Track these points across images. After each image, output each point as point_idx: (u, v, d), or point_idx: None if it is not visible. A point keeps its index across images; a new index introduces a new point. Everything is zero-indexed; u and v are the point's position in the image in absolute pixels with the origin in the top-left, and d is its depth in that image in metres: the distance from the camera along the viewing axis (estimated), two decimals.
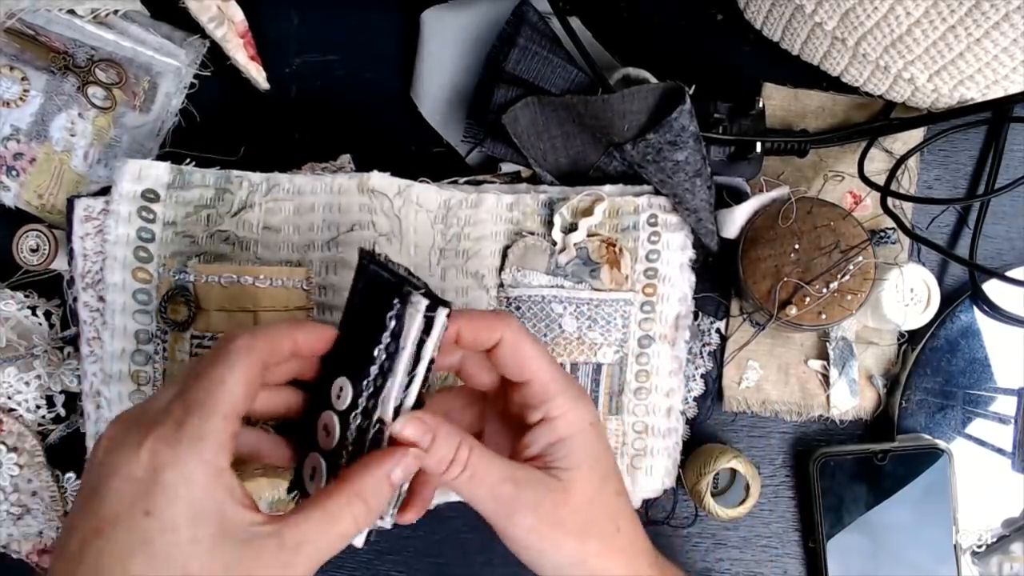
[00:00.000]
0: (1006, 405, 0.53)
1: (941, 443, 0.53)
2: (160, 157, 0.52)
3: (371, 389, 0.35)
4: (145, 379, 0.46)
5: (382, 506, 0.34)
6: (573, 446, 0.37)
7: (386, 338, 0.35)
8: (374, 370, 0.35)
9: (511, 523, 0.36)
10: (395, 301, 0.34)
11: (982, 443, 0.54)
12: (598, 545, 0.37)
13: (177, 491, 0.29)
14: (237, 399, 0.32)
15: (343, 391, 0.36)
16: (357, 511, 0.33)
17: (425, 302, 0.34)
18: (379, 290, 0.35)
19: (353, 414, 0.35)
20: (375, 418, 0.35)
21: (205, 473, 0.30)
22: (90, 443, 0.48)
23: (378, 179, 0.48)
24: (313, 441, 0.37)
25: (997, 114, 0.53)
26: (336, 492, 0.33)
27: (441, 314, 0.34)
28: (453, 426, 0.36)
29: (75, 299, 0.47)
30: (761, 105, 0.52)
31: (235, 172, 0.47)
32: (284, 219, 0.47)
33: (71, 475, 0.52)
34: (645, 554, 0.39)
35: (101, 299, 0.47)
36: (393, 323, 0.34)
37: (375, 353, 0.35)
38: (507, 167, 0.53)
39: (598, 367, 0.50)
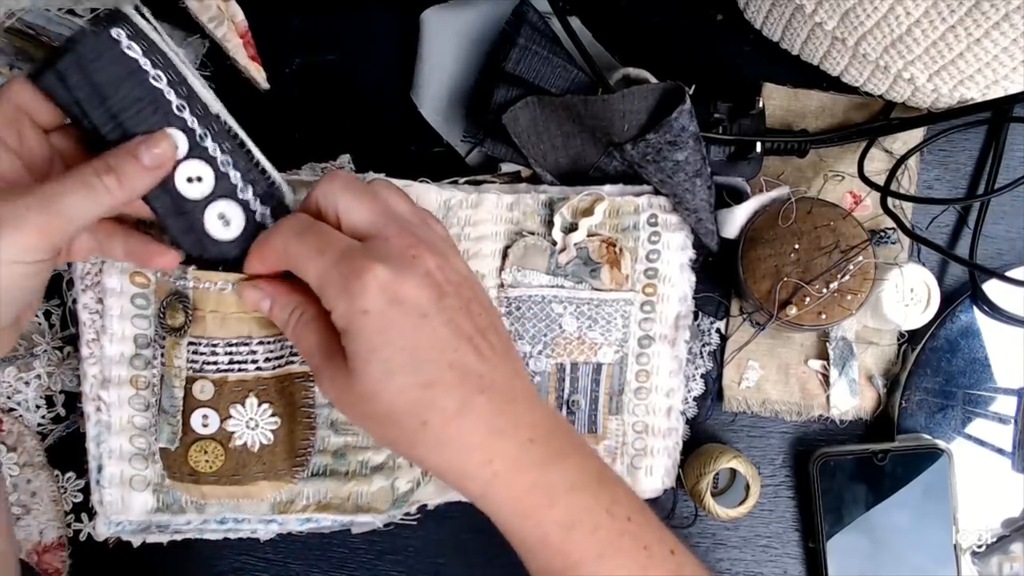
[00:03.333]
0: (1006, 405, 0.53)
1: (941, 443, 0.53)
2: None
3: (216, 132, 0.39)
4: (144, 384, 0.46)
5: (136, 184, 0.37)
6: (349, 338, 0.36)
7: (145, 63, 0.37)
8: (172, 98, 0.38)
9: (320, 390, 0.39)
10: (116, 32, 0.36)
11: (982, 443, 0.54)
12: (399, 436, 0.37)
13: None
14: None
15: (201, 177, 0.40)
16: (110, 183, 0.36)
17: (131, 4, 0.37)
18: (89, 53, 0.36)
19: (234, 176, 0.40)
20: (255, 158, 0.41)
21: None
22: (90, 444, 0.47)
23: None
24: (203, 237, 0.41)
25: (997, 114, 0.53)
26: (89, 162, 0.37)
27: (131, 11, 0.37)
28: (289, 293, 0.39)
29: (75, 300, 0.47)
30: (761, 105, 0.52)
31: None
32: None
33: (71, 475, 0.52)
34: (478, 449, 0.36)
35: (100, 301, 0.47)
36: (138, 47, 0.37)
37: (153, 83, 0.37)
38: (507, 167, 0.53)
39: (598, 367, 0.50)
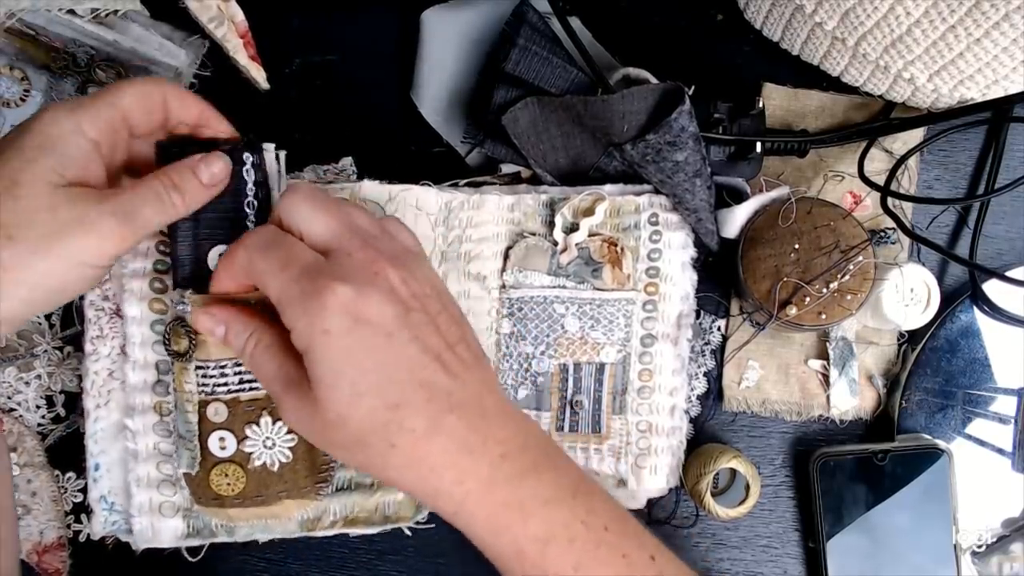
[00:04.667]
0: (1006, 405, 0.53)
1: (941, 443, 0.53)
2: None
3: None
4: (167, 410, 0.46)
5: (195, 198, 0.40)
6: (311, 360, 0.35)
7: (251, 189, 0.43)
8: (251, 224, 0.43)
9: (283, 419, 0.38)
10: (246, 156, 0.42)
11: (982, 443, 0.54)
12: (368, 460, 0.36)
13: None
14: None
15: None
16: (176, 199, 0.39)
17: (272, 145, 0.43)
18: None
19: None
20: None
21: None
22: (89, 442, 0.48)
23: (369, 187, 0.48)
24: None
25: (997, 114, 0.53)
26: (156, 178, 0.39)
27: (271, 148, 0.43)
28: (245, 319, 0.39)
29: (82, 297, 0.47)
30: (761, 105, 0.52)
31: None
32: None
33: (71, 475, 0.52)
34: (450, 469, 0.35)
35: (106, 298, 0.47)
36: (254, 174, 0.42)
37: (244, 208, 0.43)
38: (507, 168, 0.53)
39: (601, 367, 0.50)
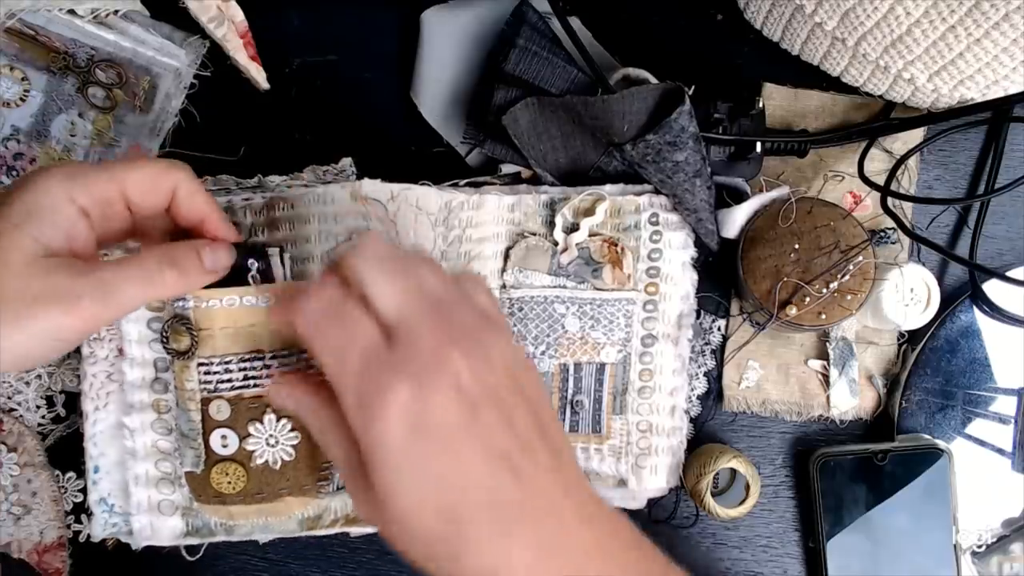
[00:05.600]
0: (1006, 405, 0.53)
1: (941, 443, 0.53)
2: (161, 157, 0.52)
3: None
4: (166, 407, 0.46)
5: (192, 282, 0.38)
6: (368, 459, 0.32)
7: None
8: None
9: (353, 504, 0.36)
10: (250, 261, 0.43)
11: (982, 443, 0.54)
12: (436, 566, 0.33)
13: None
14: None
15: None
16: (169, 275, 0.37)
17: (277, 249, 0.45)
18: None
19: None
20: None
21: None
22: (88, 444, 0.48)
23: (369, 186, 0.48)
24: None
25: (997, 114, 0.53)
26: (153, 253, 0.38)
27: (275, 252, 0.45)
28: (317, 399, 0.36)
29: None
30: (761, 105, 0.52)
31: (239, 199, 0.47)
32: (283, 236, 0.47)
33: (71, 475, 0.52)
34: (523, 572, 0.33)
35: None
36: (260, 281, 0.43)
37: None
38: (507, 168, 0.53)
39: (601, 367, 0.50)
